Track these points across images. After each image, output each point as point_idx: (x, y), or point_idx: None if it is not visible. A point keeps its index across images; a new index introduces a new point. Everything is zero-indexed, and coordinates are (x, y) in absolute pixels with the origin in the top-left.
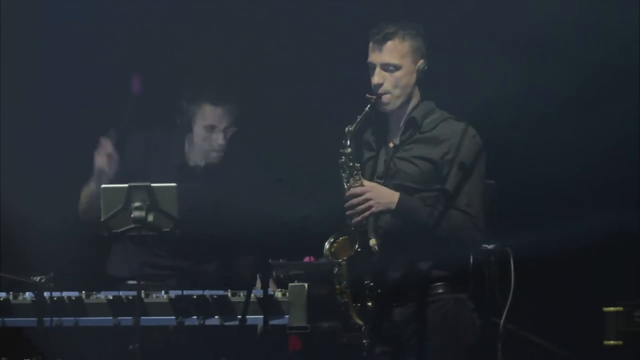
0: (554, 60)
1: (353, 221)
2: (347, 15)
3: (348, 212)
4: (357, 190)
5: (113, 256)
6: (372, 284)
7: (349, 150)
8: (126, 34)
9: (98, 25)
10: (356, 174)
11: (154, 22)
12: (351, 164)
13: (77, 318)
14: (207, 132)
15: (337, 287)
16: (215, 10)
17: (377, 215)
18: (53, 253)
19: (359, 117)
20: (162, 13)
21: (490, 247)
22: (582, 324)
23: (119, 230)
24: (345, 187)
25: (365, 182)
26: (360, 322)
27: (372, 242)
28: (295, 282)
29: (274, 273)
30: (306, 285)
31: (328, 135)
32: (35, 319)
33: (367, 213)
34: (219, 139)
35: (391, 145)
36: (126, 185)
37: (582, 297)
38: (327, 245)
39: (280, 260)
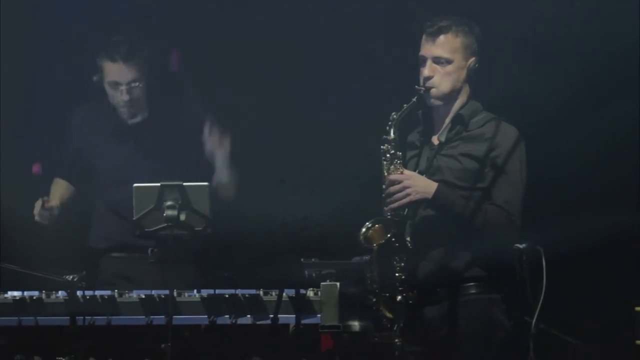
0: (554, 60)
1: (390, 207)
2: (352, 16)
3: (387, 200)
4: (396, 177)
5: (94, 228)
6: (403, 277)
7: (392, 136)
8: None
9: (98, 24)
10: (397, 162)
11: (158, 21)
12: (393, 151)
13: (110, 317)
14: (112, 88)
15: (368, 274)
16: (216, 9)
17: (415, 208)
18: (52, 253)
19: (406, 105)
20: (169, 11)
21: (522, 246)
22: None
23: (151, 230)
24: (385, 174)
25: (406, 171)
26: (389, 314)
27: (407, 239)
28: (328, 281)
29: (306, 272)
30: (338, 284)
31: (329, 135)
32: (67, 317)
33: (404, 200)
34: (122, 95)
35: (435, 142)
36: (158, 184)
37: (605, 298)
38: (363, 229)
39: (313, 260)
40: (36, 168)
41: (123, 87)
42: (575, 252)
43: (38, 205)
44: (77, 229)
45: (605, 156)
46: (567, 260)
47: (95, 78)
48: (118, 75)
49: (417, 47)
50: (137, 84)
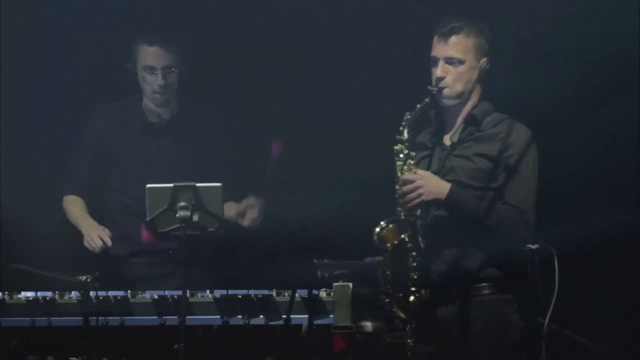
0: (554, 60)
1: (403, 207)
2: (352, 16)
3: (400, 200)
4: (409, 177)
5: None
6: (416, 277)
7: (406, 137)
8: (128, 33)
9: (99, 23)
10: (411, 162)
11: (158, 21)
12: (406, 151)
13: (123, 317)
14: (147, 73)
15: (381, 275)
16: (216, 9)
17: (427, 208)
18: (52, 253)
19: (419, 105)
20: (169, 11)
21: (534, 247)
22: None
23: (164, 230)
24: (399, 174)
25: (419, 171)
26: (402, 314)
27: (419, 239)
28: (340, 281)
29: (319, 273)
30: (351, 284)
31: (329, 135)
32: (81, 318)
33: (416, 201)
34: (157, 79)
35: (447, 142)
36: (171, 185)
37: (605, 298)
38: (377, 229)
39: (325, 260)
40: (145, 236)
41: (159, 72)
42: (575, 252)
43: (95, 240)
44: (75, 227)
45: (605, 156)
46: (567, 260)
47: (129, 64)
48: (155, 60)
49: (418, 47)
50: (172, 69)
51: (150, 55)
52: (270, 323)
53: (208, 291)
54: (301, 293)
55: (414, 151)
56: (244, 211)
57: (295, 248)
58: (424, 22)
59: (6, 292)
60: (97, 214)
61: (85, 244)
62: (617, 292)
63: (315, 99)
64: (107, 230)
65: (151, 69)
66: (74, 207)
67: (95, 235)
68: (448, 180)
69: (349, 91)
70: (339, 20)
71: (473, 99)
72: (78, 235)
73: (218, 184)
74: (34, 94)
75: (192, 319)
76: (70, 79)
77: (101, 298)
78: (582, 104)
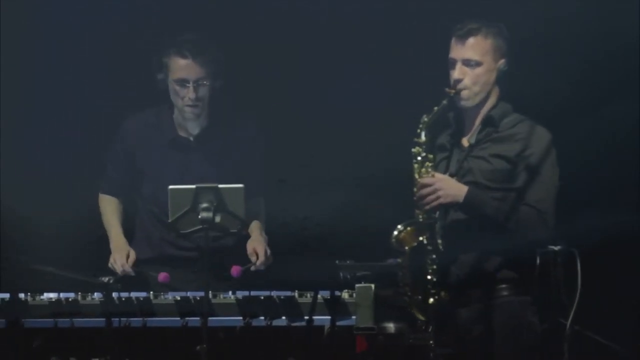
0: (554, 60)
1: (420, 210)
2: (352, 16)
3: (418, 203)
4: (427, 180)
5: (136, 238)
6: (435, 279)
7: (423, 139)
8: (128, 32)
9: (99, 23)
10: (428, 165)
11: (158, 21)
12: (424, 153)
13: (145, 319)
14: (179, 86)
15: (399, 273)
16: (216, 9)
17: (445, 210)
18: (53, 252)
19: (436, 108)
20: (169, 11)
21: (557, 248)
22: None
23: (186, 231)
24: (416, 177)
25: (437, 174)
26: (421, 317)
27: (439, 241)
28: (362, 283)
29: (341, 274)
30: (373, 286)
31: (329, 135)
32: (103, 319)
33: (434, 203)
34: (189, 92)
35: (465, 144)
36: (194, 186)
37: (605, 298)
38: (395, 232)
39: (348, 262)
40: (162, 277)
41: (190, 85)
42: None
43: (118, 267)
44: (75, 227)
45: (605, 156)
46: (567, 260)
47: (160, 76)
48: (186, 72)
49: (417, 47)
50: (204, 82)
51: (182, 67)
52: (293, 324)
53: (230, 292)
54: (323, 294)
55: (431, 153)
56: (253, 252)
57: (295, 248)
58: (427, 23)
59: (29, 294)
60: (130, 217)
61: (110, 265)
62: (617, 292)
63: (315, 99)
64: (132, 256)
65: (183, 82)
66: (107, 211)
67: (119, 263)
68: (466, 182)
69: (349, 91)
70: (339, 20)
71: (491, 100)
72: (78, 235)
73: (240, 185)
74: (34, 94)
75: (214, 320)
76: (70, 79)
77: (123, 299)
78: (582, 104)
